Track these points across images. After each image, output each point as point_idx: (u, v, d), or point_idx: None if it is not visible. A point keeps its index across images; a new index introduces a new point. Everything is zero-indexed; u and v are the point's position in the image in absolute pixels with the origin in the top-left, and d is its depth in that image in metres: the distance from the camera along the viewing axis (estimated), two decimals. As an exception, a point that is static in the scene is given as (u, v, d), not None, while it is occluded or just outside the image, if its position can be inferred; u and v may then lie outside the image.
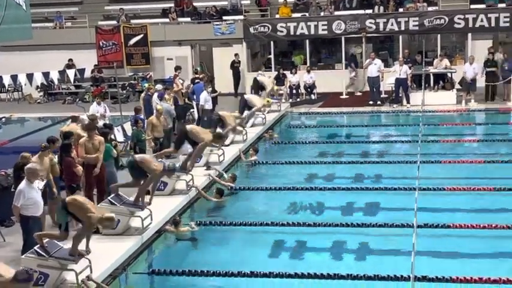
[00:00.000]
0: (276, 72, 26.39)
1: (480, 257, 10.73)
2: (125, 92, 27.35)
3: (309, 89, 26.00)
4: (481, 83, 24.00)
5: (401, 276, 9.32)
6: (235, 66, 27.92)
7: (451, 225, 11.64)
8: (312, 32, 27.47)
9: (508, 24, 26.09)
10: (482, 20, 26.06)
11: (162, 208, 12.58)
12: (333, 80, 26.56)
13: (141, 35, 29.08)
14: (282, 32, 27.65)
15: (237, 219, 12.65)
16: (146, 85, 22.11)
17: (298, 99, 25.82)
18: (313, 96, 25.94)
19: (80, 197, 10.31)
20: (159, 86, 20.77)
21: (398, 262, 9.94)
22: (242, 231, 12.19)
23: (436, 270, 9.73)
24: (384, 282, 9.44)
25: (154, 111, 17.36)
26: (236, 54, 27.91)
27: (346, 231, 11.57)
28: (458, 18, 26.26)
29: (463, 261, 10.55)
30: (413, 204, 9.76)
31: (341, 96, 26.06)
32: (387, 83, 25.04)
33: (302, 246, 11.47)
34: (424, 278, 9.44)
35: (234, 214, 13.18)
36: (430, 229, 11.39)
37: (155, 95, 19.38)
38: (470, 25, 26.22)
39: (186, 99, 21.26)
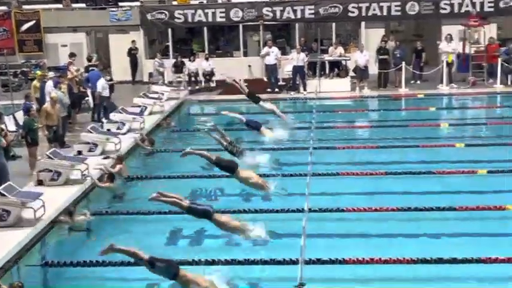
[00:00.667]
0: (174, 60, 26.26)
1: (372, 238, 11.09)
2: (16, 79, 26.32)
3: (207, 77, 25.99)
4: (374, 70, 24.76)
5: (297, 259, 9.47)
6: (132, 53, 27.48)
7: (345, 209, 11.95)
8: (210, 19, 27.44)
9: (399, 13, 26.99)
10: (374, 9, 26.83)
11: (56, 198, 12.26)
12: (231, 67, 26.61)
13: (34, 21, 28.08)
14: (179, 19, 27.46)
15: (134, 208, 12.50)
16: (38, 72, 21.42)
17: (197, 87, 25.77)
18: (212, 84, 25.96)
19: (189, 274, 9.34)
20: (51, 74, 20.18)
21: (294, 246, 10.08)
22: (140, 220, 12.06)
23: (330, 253, 9.98)
24: (278, 266, 9.58)
25: (48, 98, 16.86)
26: (133, 41, 27.48)
27: (242, 218, 11.63)
28: (352, 7, 26.91)
29: (356, 244, 10.84)
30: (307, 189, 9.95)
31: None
32: (285, 71, 25.40)
33: (200, 233, 11.47)
34: (319, 261, 9.67)
35: (131, 203, 13.01)
36: (324, 213, 11.66)
37: (49, 82, 18.82)
38: (364, 14, 26.95)
39: (81, 87, 20.80)
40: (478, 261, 9.56)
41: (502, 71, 24.10)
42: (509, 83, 24.38)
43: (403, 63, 24.11)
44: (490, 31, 25.49)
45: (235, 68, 26.49)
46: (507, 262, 9.53)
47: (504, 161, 14.90)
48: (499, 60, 24.03)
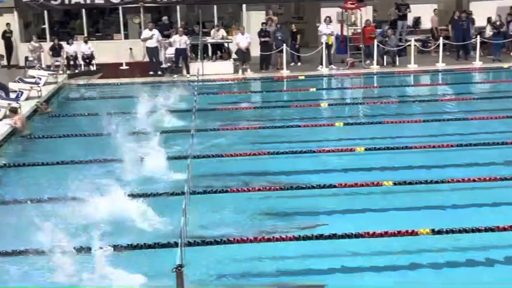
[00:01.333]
0: (52, 43, 25.40)
1: (256, 217, 11.19)
2: None
3: (87, 60, 25.35)
4: (256, 52, 24.97)
5: (182, 242, 9.41)
6: (6, 36, 26.32)
7: (229, 189, 12.02)
8: (88, 1, 26.68)
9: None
10: (256, -8, 27.06)
11: None
12: (112, 50, 26.14)
13: None
14: (56, 0, 26.53)
15: (8, 197, 12.02)
16: None
17: (76, 71, 25.09)
18: (92, 67, 25.36)
19: None
20: None
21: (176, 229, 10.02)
22: (15, 210, 11.56)
23: (213, 233, 10.02)
24: (159, 250, 9.49)
25: None
26: (7, 24, 26.31)
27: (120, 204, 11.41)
28: (236, -10, 27.01)
29: (241, 223, 10.91)
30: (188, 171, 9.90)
31: (121, 67, 25.76)
32: (167, 54, 25.19)
33: (78, 223, 11.07)
34: (203, 242, 9.67)
35: (5, 193, 12.49)
36: (206, 195, 11.66)
37: None
38: (246, -4, 27.11)
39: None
40: (357, 236, 9.86)
41: (378, 52, 25.00)
42: (385, 63, 25.32)
43: (284, 45, 24.47)
44: (366, 13, 26.33)
45: (115, 51, 26.04)
46: (385, 236, 9.88)
47: (380, 138, 15.46)
48: (375, 41, 24.89)
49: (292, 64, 25.46)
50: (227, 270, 9.24)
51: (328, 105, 19.73)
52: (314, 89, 21.82)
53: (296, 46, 25.71)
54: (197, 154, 13.36)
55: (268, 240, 9.89)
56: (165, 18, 26.84)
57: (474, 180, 12.10)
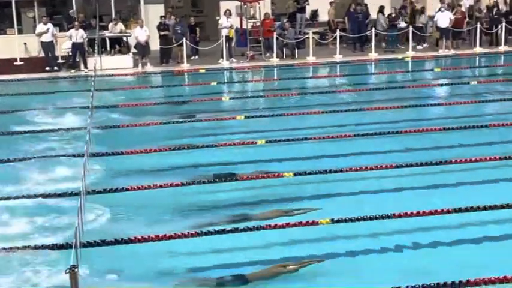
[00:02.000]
0: None
1: (154, 214, 11.03)
2: None
3: (-21, 56, 24.39)
4: (155, 46, 24.73)
5: (76, 241, 9.17)
6: None
7: (129, 187, 11.78)
8: (-22, -6, 25.61)
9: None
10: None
11: None
12: (5, 45, 25.17)
13: None
14: None
15: None
16: None
17: (-33, 67, 24.09)
18: (-15, 63, 24.40)
19: None
20: None
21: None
22: None
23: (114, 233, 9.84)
24: (54, 251, 9.22)
25: None
26: None
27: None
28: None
29: (140, 221, 10.74)
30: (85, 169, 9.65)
31: (15, 63, 24.91)
32: (64, 48, 24.56)
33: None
34: (103, 242, 9.45)
35: None
36: (106, 194, 11.42)
37: None
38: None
39: None
40: (258, 228, 9.90)
41: (277, 45, 25.26)
42: (284, 56, 25.62)
43: (184, 38, 24.34)
44: (264, 6, 26.56)
45: (9, 46, 25.11)
46: (286, 227, 9.96)
47: (281, 130, 15.63)
48: (274, 34, 25.14)
49: (193, 58, 25.37)
50: (127, 269, 9.08)
51: (230, 98, 19.80)
52: (215, 83, 21.83)
53: (196, 39, 25.62)
54: (95, 152, 13.05)
55: (170, 237, 9.76)
56: (72, 11, 26.07)
57: (372, 169, 12.39)
